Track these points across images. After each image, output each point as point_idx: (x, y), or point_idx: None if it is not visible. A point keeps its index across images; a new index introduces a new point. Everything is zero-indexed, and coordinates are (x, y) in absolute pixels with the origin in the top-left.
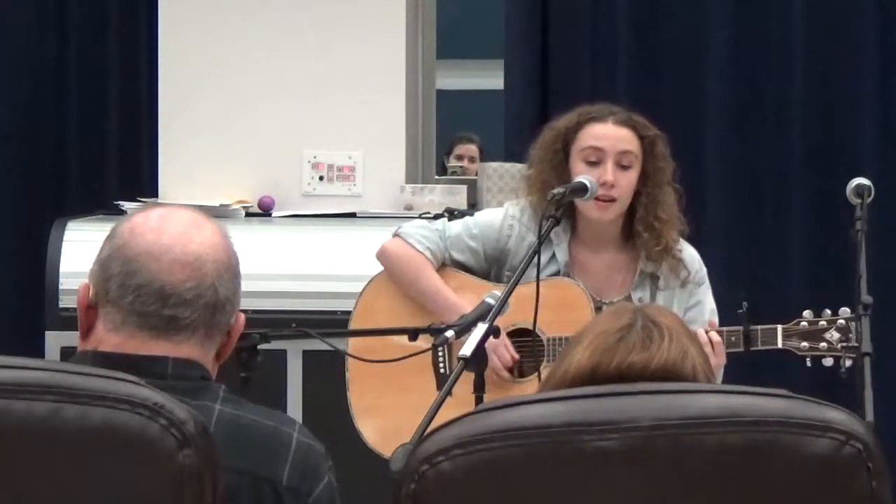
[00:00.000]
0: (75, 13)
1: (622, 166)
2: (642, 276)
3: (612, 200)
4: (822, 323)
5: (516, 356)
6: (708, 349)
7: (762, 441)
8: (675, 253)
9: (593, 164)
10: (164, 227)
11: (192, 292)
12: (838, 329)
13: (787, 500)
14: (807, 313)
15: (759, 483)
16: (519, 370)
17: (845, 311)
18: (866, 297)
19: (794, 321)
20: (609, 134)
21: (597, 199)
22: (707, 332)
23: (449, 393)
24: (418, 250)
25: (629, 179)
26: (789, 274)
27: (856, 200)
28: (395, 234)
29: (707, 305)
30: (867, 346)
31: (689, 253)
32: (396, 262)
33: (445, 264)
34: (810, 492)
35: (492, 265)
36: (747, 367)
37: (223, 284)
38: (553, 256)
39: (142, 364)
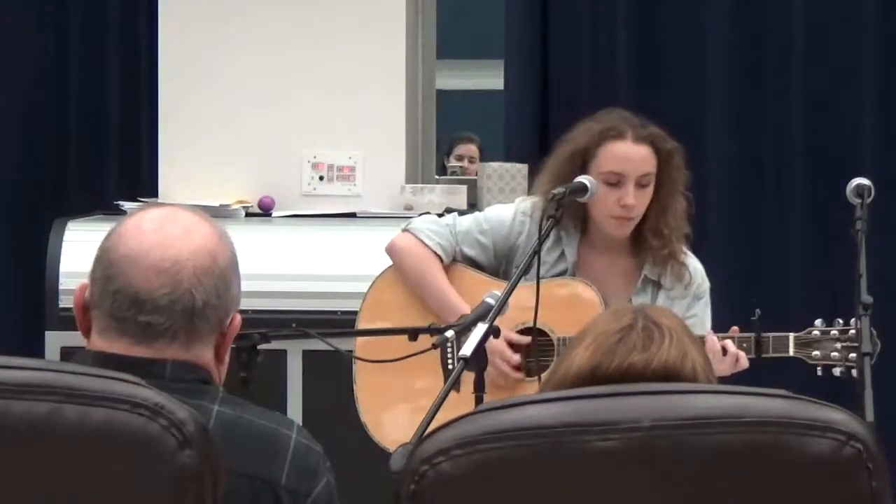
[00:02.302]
0: (75, 13)
1: (641, 185)
2: (645, 281)
3: (631, 219)
4: (834, 332)
5: (515, 359)
6: (718, 356)
7: (762, 441)
8: (679, 258)
9: (613, 185)
10: (148, 230)
11: (167, 298)
12: (850, 339)
13: (787, 501)
14: (818, 322)
15: (759, 483)
16: (527, 369)
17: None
18: (866, 297)
19: (806, 330)
20: (631, 156)
21: (615, 217)
22: (721, 340)
23: (453, 391)
24: (428, 246)
25: (647, 196)
26: (789, 274)
27: (856, 200)
28: (405, 229)
29: (702, 321)
30: (867, 346)
31: (694, 265)
32: (405, 257)
33: (456, 260)
34: (810, 492)
35: (501, 261)
36: (748, 367)
37: (202, 290)
38: (562, 255)
39: (141, 365)
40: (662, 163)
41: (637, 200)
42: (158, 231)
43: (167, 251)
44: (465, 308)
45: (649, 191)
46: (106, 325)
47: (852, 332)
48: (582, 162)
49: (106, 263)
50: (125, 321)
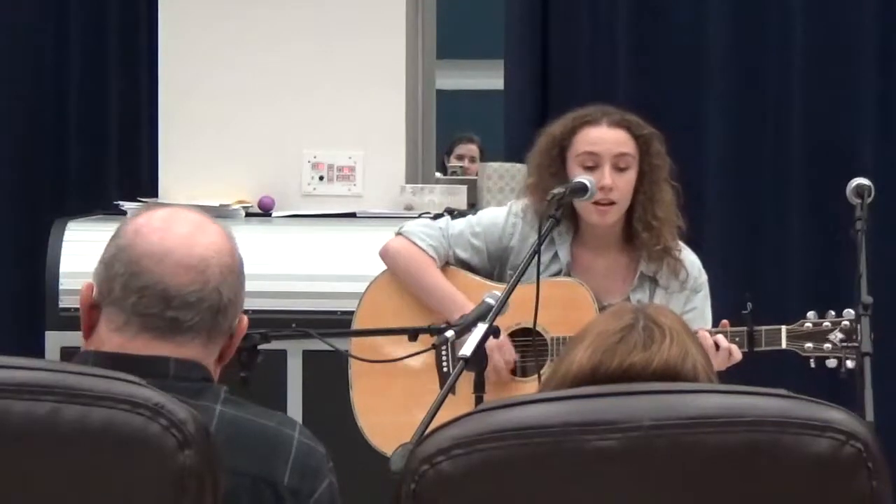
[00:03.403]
0: (75, 13)
1: (619, 168)
2: (642, 278)
3: (611, 203)
4: (827, 324)
5: (515, 356)
6: (712, 351)
7: (762, 441)
8: (675, 254)
9: (590, 168)
10: (169, 228)
11: (196, 295)
12: (842, 330)
13: (788, 500)
14: (811, 314)
15: (759, 483)
16: (522, 369)
17: (849, 312)
18: (866, 297)
19: (799, 322)
20: (604, 137)
21: (596, 203)
22: (713, 335)
23: (451, 392)
24: (422, 248)
25: (627, 181)
26: (788, 274)
27: (856, 200)
28: (398, 233)
29: (702, 314)
30: (867, 346)
31: (690, 259)
32: (400, 260)
33: (449, 263)
34: (810, 492)
35: (495, 264)
36: (747, 367)
37: (227, 287)
38: (555, 256)
39: (143, 364)
40: (642, 148)
41: (617, 184)
42: (176, 229)
43: (193, 248)
44: (468, 302)
45: (629, 176)
46: (126, 321)
47: (845, 323)
48: (559, 150)
49: (127, 260)
50: (151, 317)
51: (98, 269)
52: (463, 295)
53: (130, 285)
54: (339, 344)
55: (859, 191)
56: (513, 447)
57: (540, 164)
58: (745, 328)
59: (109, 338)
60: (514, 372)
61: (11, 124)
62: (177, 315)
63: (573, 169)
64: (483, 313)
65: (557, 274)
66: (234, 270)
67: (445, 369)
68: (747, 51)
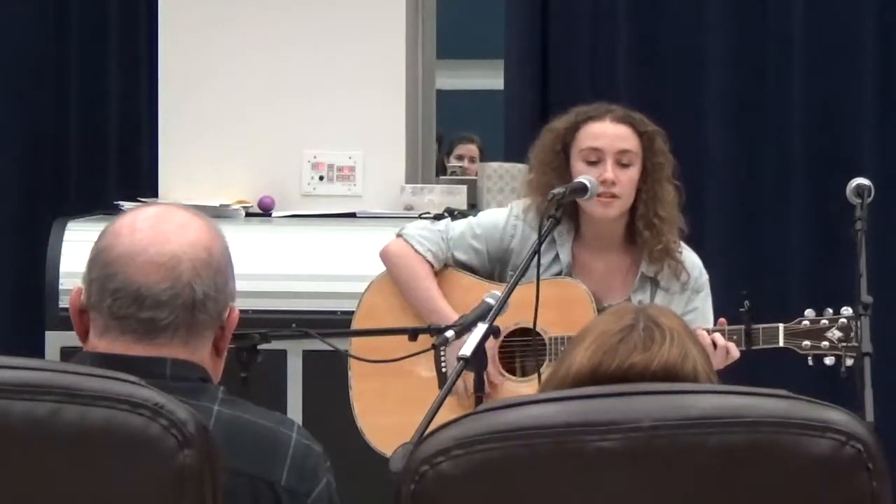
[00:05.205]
0: (75, 13)
1: (622, 164)
2: (643, 279)
3: (614, 197)
4: (824, 322)
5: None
6: (710, 350)
7: (762, 441)
8: (676, 255)
9: (593, 163)
10: (143, 228)
11: (168, 293)
12: (840, 328)
13: (787, 501)
14: (808, 312)
15: (759, 483)
16: (521, 369)
17: (847, 310)
18: (866, 297)
19: (797, 320)
20: (607, 133)
21: (598, 195)
22: (711, 334)
23: (449, 392)
24: (419, 252)
25: (629, 177)
26: (789, 274)
27: (856, 200)
28: (398, 235)
29: (703, 314)
30: (867, 346)
31: (691, 259)
32: (396, 263)
33: (448, 265)
34: (810, 492)
35: (495, 265)
36: (747, 367)
37: (201, 283)
38: (556, 257)
39: (140, 364)
40: (645, 146)
41: (619, 179)
42: (153, 228)
43: (164, 246)
44: (453, 314)
45: (632, 172)
46: (106, 325)
47: (842, 320)
48: (563, 146)
49: (102, 263)
50: (127, 319)
51: (84, 273)
52: (449, 305)
53: (105, 288)
54: (339, 344)
55: (859, 191)
56: (513, 447)
57: (542, 160)
58: (742, 326)
59: (97, 342)
60: (513, 372)
61: (11, 124)
62: (151, 315)
63: (576, 164)
64: (483, 313)
65: (558, 275)
66: (211, 265)
67: (444, 369)
68: (747, 50)
